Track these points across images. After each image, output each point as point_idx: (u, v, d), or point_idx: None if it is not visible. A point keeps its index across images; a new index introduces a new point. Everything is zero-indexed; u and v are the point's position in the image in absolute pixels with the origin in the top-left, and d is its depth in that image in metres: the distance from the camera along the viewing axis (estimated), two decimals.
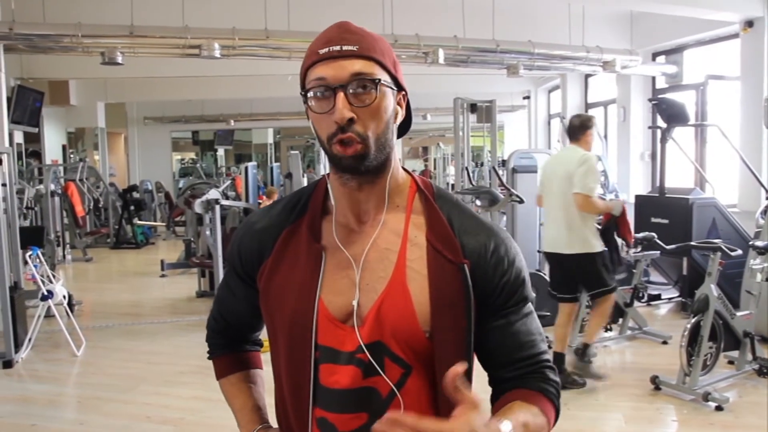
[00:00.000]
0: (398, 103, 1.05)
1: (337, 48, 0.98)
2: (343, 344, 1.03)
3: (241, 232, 1.16)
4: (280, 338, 1.08)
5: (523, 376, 1.07)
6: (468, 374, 1.05)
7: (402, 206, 1.07)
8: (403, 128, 1.11)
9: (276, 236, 1.10)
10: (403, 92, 1.07)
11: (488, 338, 1.06)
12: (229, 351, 1.28)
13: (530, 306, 1.10)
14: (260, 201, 8.51)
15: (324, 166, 10.75)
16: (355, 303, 1.03)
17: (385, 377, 1.02)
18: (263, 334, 1.25)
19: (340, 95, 0.97)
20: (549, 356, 1.10)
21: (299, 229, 1.09)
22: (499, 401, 1.07)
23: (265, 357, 1.20)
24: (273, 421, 1.20)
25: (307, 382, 1.05)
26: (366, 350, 1.01)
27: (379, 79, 0.99)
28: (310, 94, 1.00)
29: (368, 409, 1.03)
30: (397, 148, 1.10)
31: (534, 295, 1.09)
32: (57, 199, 9.16)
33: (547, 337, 4.90)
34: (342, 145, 0.98)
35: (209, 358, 1.30)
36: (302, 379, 1.05)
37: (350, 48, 0.98)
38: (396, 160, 1.08)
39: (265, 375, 1.27)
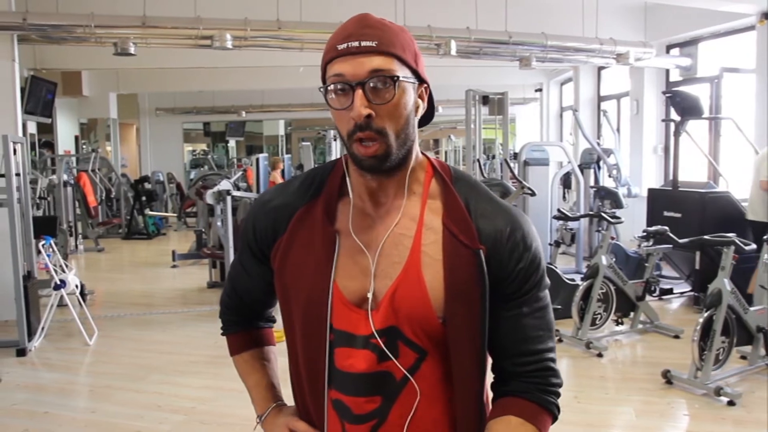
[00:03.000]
0: (420, 96, 1.04)
1: (356, 44, 0.97)
2: (358, 328, 1.03)
3: (255, 209, 1.15)
4: (295, 320, 1.09)
5: (525, 377, 1.06)
6: (482, 361, 1.05)
7: (418, 192, 1.06)
8: (426, 119, 1.10)
9: (291, 215, 1.09)
10: (425, 84, 1.05)
11: (497, 328, 1.05)
12: (243, 328, 1.29)
13: (545, 297, 1.08)
14: None
15: (335, 158, 10.74)
16: (370, 294, 1.03)
17: (397, 363, 1.02)
18: (276, 311, 1.25)
19: (359, 92, 0.96)
20: (554, 354, 1.08)
21: (314, 209, 1.08)
22: (497, 406, 1.08)
23: (281, 346, 1.19)
24: (287, 398, 1.22)
25: (322, 364, 1.06)
26: (380, 336, 1.02)
27: (398, 77, 0.98)
28: (330, 90, 0.99)
29: (382, 392, 1.04)
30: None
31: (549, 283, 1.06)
32: (69, 189, 9.22)
33: (557, 331, 4.87)
34: (362, 144, 0.98)
35: (223, 334, 1.30)
36: (317, 361, 1.06)
37: (369, 44, 0.97)
38: (416, 150, 1.07)
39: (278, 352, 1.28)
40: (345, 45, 0.98)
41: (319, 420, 1.09)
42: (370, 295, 1.03)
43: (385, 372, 1.03)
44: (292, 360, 1.13)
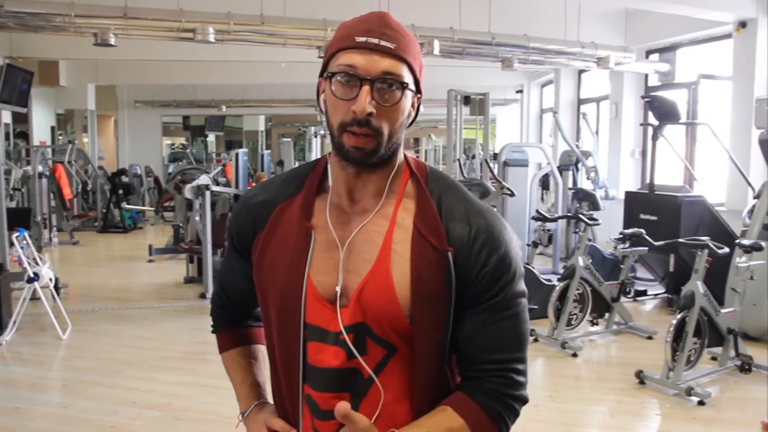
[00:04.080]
0: (412, 105, 1.05)
1: (375, 41, 0.98)
2: (330, 324, 1.04)
3: (239, 206, 1.17)
4: (272, 314, 1.10)
5: (479, 380, 1.04)
6: (444, 362, 1.06)
7: (395, 191, 1.07)
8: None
9: (270, 211, 1.11)
10: (420, 95, 1.06)
11: (461, 331, 1.04)
12: (232, 326, 1.30)
13: (517, 306, 1.04)
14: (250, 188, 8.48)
15: (315, 155, 10.72)
16: (338, 288, 1.04)
17: (362, 361, 1.03)
18: None
19: (366, 88, 0.97)
20: (520, 365, 1.04)
21: (292, 205, 1.10)
22: (445, 400, 1.05)
23: None
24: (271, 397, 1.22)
25: (296, 359, 1.06)
26: (349, 332, 1.02)
27: (407, 83, 1.00)
28: (337, 77, 0.99)
29: (350, 389, 1.04)
30: None
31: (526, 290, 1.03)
32: (44, 180, 9.08)
33: (533, 331, 4.91)
34: (354, 136, 0.98)
35: (213, 332, 1.31)
36: (292, 356, 1.07)
37: (387, 44, 0.98)
38: (400, 153, 1.08)
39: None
40: (364, 39, 0.98)
41: (294, 416, 1.10)
42: (338, 289, 1.04)
43: (354, 369, 1.04)
44: (270, 355, 1.14)
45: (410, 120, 1.06)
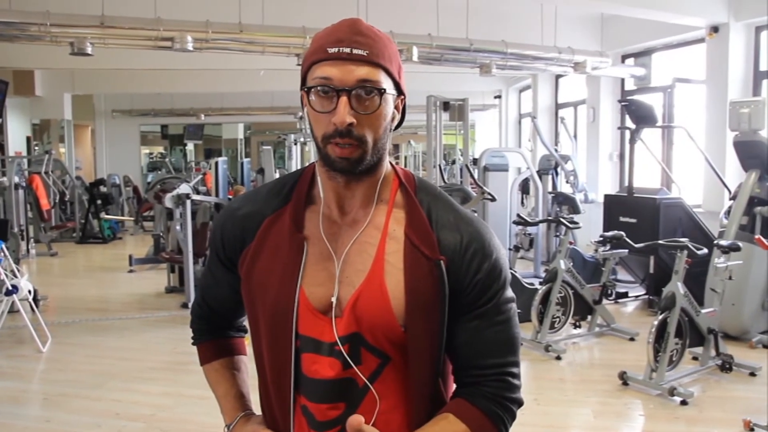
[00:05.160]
0: (396, 107, 1.05)
1: (347, 50, 0.98)
2: (323, 335, 1.04)
3: (223, 217, 1.16)
4: (261, 326, 1.09)
5: (478, 385, 1.06)
6: (439, 370, 1.07)
7: (385, 200, 1.08)
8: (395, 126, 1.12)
9: (259, 223, 1.10)
10: (403, 96, 1.07)
11: (456, 339, 1.05)
12: (213, 337, 1.28)
13: (508, 311, 1.07)
14: (230, 197, 8.43)
15: (295, 163, 10.69)
16: (334, 299, 1.04)
17: (357, 371, 1.03)
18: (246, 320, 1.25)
19: (343, 99, 0.97)
20: (514, 369, 1.07)
21: (282, 217, 1.09)
22: (444, 407, 1.07)
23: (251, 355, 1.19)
24: (256, 408, 1.21)
25: (288, 370, 1.06)
26: (344, 342, 1.03)
27: (384, 89, 0.99)
28: (314, 91, 1.00)
29: (346, 399, 1.05)
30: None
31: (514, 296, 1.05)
32: (21, 191, 8.95)
33: None
34: (339, 147, 0.99)
35: (193, 344, 1.30)
36: (283, 367, 1.07)
37: (360, 52, 0.98)
38: (386, 160, 1.08)
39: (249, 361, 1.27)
40: (336, 49, 0.98)
41: (285, 427, 1.09)
42: (334, 300, 1.04)
43: (349, 379, 1.04)
44: (259, 367, 1.13)
45: (395, 123, 1.06)
